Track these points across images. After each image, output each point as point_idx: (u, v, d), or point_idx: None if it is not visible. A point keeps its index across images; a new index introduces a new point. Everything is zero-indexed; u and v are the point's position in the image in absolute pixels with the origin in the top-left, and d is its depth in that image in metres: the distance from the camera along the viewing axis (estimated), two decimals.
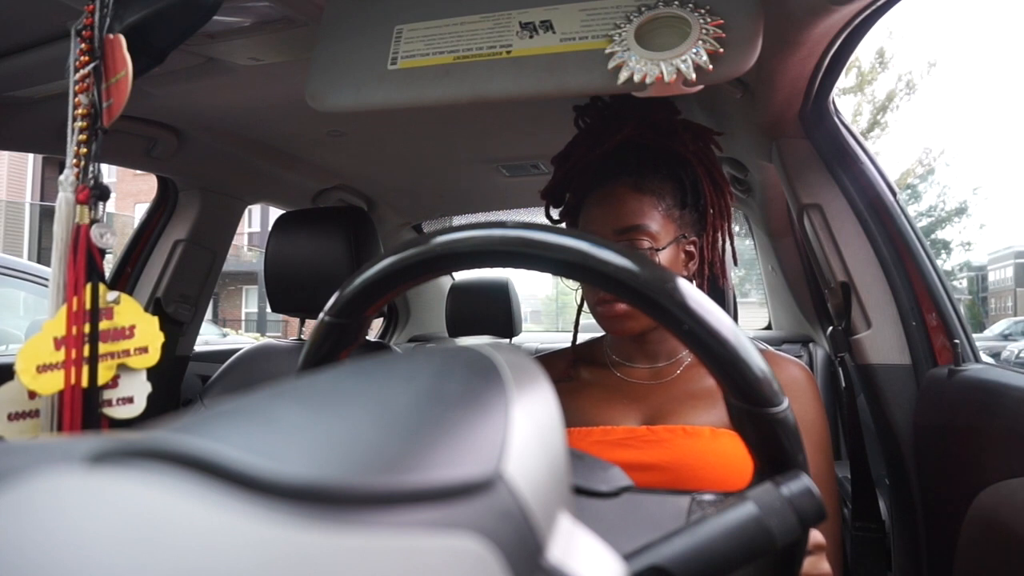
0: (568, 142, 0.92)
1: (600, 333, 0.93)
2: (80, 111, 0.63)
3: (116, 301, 0.65)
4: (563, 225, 0.94)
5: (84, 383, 0.61)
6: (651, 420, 0.78)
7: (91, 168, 0.64)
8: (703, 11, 0.66)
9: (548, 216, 0.96)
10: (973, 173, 50.48)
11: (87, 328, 0.62)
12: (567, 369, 0.89)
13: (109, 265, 1.54)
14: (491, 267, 0.47)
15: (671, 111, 0.90)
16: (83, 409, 0.61)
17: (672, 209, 0.83)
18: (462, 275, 2.11)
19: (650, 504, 0.42)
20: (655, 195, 0.82)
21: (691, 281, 0.85)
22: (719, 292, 0.97)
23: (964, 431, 0.81)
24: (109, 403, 0.65)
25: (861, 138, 1.04)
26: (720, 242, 0.88)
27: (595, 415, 0.80)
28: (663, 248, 0.81)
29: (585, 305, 0.89)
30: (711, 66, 0.65)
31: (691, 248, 0.85)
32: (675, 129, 0.87)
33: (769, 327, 2.21)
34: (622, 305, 0.79)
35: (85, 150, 0.63)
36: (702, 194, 0.86)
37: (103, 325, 0.63)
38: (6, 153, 11.17)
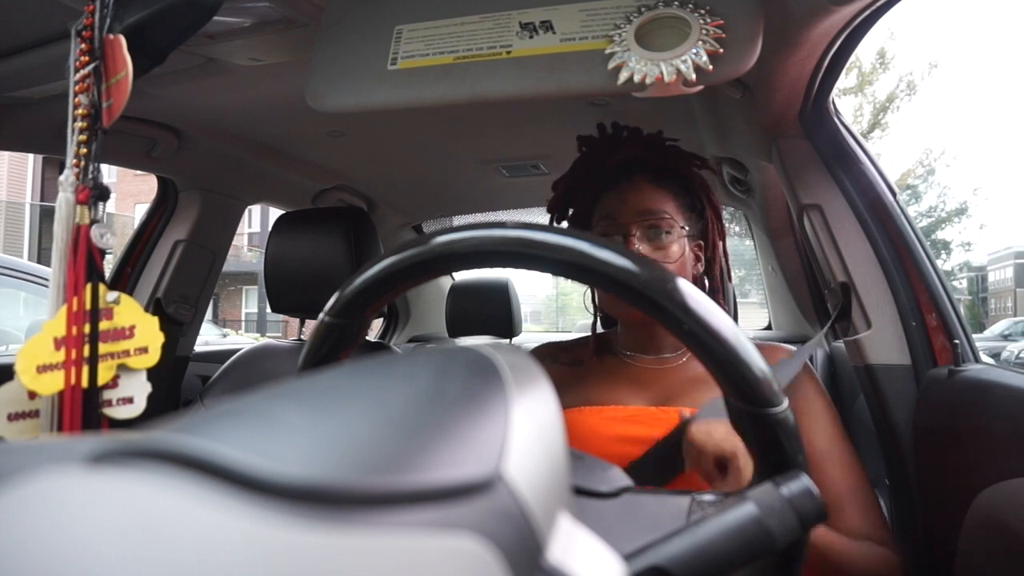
0: (574, 159, 0.96)
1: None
2: (80, 111, 0.63)
3: (116, 301, 0.65)
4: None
5: (84, 383, 0.61)
6: (659, 402, 0.82)
7: (91, 168, 0.63)
8: (703, 11, 0.66)
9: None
10: (973, 173, 50.61)
11: (87, 328, 0.62)
12: (583, 354, 0.93)
13: (109, 265, 1.54)
14: (491, 267, 0.47)
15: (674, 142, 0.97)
16: (83, 409, 0.61)
17: (684, 209, 0.88)
18: (462, 275, 2.11)
19: (650, 504, 0.42)
20: (671, 191, 0.87)
21: (696, 282, 0.89)
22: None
23: (964, 431, 0.81)
24: (109, 403, 0.65)
25: (861, 138, 1.04)
26: (720, 250, 0.93)
27: (607, 395, 0.84)
28: (678, 236, 0.85)
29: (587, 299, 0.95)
30: (711, 66, 0.64)
31: (698, 251, 0.90)
32: (679, 152, 0.93)
33: (769, 327, 2.21)
34: None
35: (85, 150, 0.63)
36: (705, 205, 0.91)
37: (103, 325, 0.63)
38: (6, 153, 11.16)
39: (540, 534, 0.22)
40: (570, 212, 0.96)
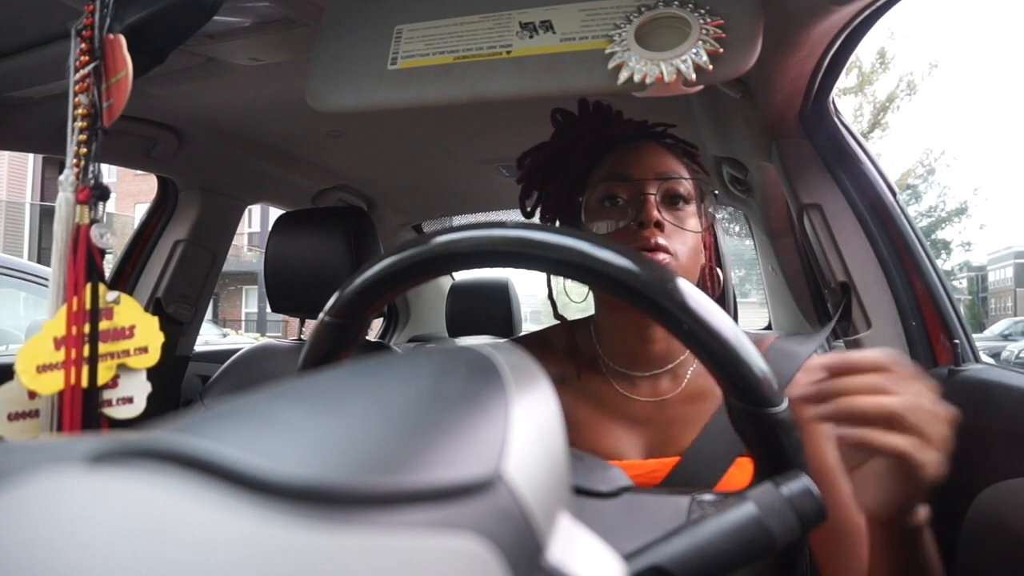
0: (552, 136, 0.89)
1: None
2: (80, 111, 0.63)
3: (116, 301, 0.65)
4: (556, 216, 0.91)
5: (84, 383, 0.61)
6: (656, 450, 0.73)
7: (91, 168, 0.63)
8: (703, 11, 0.66)
9: (523, 206, 0.90)
10: (973, 173, 50.72)
11: (87, 328, 0.62)
12: (566, 368, 0.81)
13: (109, 265, 1.54)
14: (491, 267, 0.47)
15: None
16: (83, 409, 0.61)
17: (695, 187, 0.80)
18: (462, 275, 2.11)
19: (650, 504, 0.42)
20: (684, 163, 0.80)
21: (706, 267, 0.82)
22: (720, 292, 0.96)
23: (964, 431, 0.81)
24: (109, 403, 0.65)
25: (861, 138, 1.04)
26: (718, 239, 0.88)
27: (594, 441, 0.74)
28: (694, 211, 0.78)
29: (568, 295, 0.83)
30: (711, 66, 0.64)
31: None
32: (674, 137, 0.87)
33: (769, 327, 2.21)
34: (660, 246, 0.73)
35: (85, 150, 0.63)
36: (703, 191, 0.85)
37: (103, 325, 0.63)
38: (6, 153, 11.17)
39: (540, 534, 0.22)
40: (546, 195, 0.88)
